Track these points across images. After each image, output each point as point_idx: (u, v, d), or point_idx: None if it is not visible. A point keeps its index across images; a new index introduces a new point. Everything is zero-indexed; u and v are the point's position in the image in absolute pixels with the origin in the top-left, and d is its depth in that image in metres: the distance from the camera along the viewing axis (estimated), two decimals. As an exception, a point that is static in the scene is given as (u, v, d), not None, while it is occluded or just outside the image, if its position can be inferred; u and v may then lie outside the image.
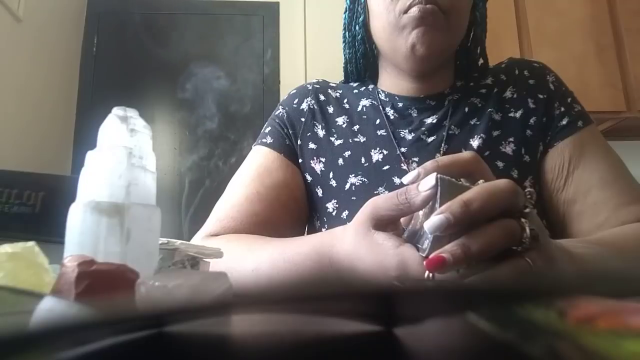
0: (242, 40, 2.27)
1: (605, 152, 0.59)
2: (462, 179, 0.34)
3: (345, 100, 0.68)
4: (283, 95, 0.81)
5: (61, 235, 0.27)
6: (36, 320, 0.17)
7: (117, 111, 0.30)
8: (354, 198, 0.59)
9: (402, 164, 0.59)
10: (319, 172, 0.63)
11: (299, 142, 0.65)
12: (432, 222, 0.31)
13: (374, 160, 0.60)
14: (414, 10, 0.55)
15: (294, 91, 0.71)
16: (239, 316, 0.23)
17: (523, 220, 0.32)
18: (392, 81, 0.66)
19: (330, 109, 0.67)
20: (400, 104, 0.64)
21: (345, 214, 0.59)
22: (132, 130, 0.30)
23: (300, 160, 0.65)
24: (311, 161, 0.64)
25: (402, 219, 0.36)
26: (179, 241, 0.35)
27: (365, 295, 0.17)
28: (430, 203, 0.33)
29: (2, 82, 1.63)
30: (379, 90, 0.67)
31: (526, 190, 0.34)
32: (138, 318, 0.17)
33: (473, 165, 0.36)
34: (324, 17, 2.30)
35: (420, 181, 0.33)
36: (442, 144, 0.59)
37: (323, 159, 0.63)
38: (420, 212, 0.34)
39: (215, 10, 2.32)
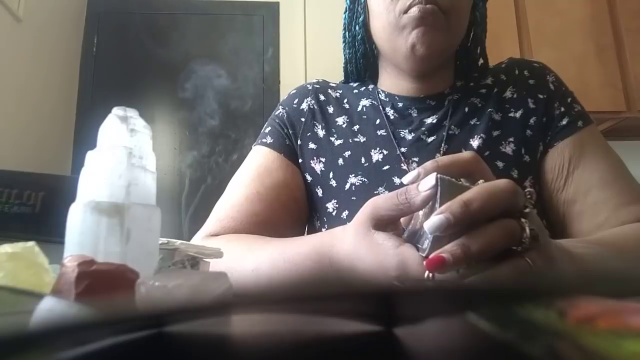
0: (242, 40, 2.27)
1: (605, 152, 0.59)
2: (462, 179, 0.34)
3: (345, 100, 0.68)
4: (283, 96, 0.81)
5: (61, 235, 0.27)
6: (36, 320, 0.17)
7: (117, 111, 0.30)
8: (354, 198, 0.59)
9: (402, 164, 0.59)
10: (319, 172, 0.63)
11: (299, 142, 0.65)
12: (432, 222, 0.31)
13: (374, 160, 0.60)
14: (414, 10, 0.55)
15: (294, 91, 0.71)
16: (239, 316, 0.23)
17: (523, 220, 0.32)
18: (392, 81, 0.66)
19: (330, 109, 0.67)
20: (400, 104, 0.64)
21: (345, 214, 0.59)
22: (132, 130, 0.30)
23: (300, 160, 0.65)
24: (311, 161, 0.64)
25: (402, 219, 0.36)
26: (179, 241, 0.35)
27: (365, 295, 0.17)
28: (430, 203, 0.33)
29: (2, 82, 1.63)
30: (379, 90, 0.67)
31: (526, 190, 0.34)
32: (138, 318, 0.17)
33: (473, 165, 0.36)
34: (324, 17, 2.30)
35: (420, 181, 0.33)
36: (442, 144, 0.59)
37: (323, 159, 0.63)
38: (420, 212, 0.34)
39: (215, 10, 2.32)
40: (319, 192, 0.63)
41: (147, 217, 0.28)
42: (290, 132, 0.66)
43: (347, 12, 0.67)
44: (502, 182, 0.32)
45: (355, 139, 0.63)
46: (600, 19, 2.08)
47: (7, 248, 0.27)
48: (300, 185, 0.64)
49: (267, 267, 0.45)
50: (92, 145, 0.29)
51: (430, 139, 0.60)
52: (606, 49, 2.04)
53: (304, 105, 0.68)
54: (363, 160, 0.61)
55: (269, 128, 0.68)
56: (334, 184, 0.61)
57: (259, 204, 0.60)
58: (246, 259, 0.47)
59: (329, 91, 0.69)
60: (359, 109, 0.66)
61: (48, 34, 1.95)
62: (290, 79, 2.16)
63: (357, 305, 0.20)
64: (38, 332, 0.14)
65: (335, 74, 0.84)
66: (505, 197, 0.31)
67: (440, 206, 0.31)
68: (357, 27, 0.65)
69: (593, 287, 0.18)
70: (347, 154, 0.62)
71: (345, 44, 0.68)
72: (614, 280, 0.17)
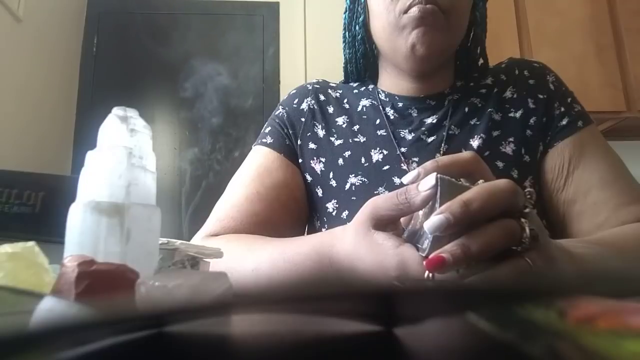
0: (242, 40, 2.27)
1: (605, 152, 0.59)
2: (462, 179, 0.34)
3: (345, 100, 0.68)
4: (283, 96, 0.81)
5: (61, 235, 0.27)
6: (36, 320, 0.17)
7: (117, 111, 0.30)
8: (354, 198, 0.59)
9: (402, 164, 0.59)
10: (319, 172, 0.63)
11: (299, 142, 0.65)
12: (432, 222, 0.31)
13: (374, 160, 0.60)
14: (414, 10, 0.55)
15: (294, 91, 0.71)
16: (239, 316, 0.23)
17: (523, 220, 0.32)
18: (392, 81, 0.66)
19: (330, 109, 0.67)
20: (400, 104, 0.64)
21: (345, 214, 0.59)
22: (132, 130, 0.30)
23: (300, 160, 0.65)
24: (311, 161, 0.64)
25: (402, 219, 0.36)
26: (179, 241, 0.35)
27: (365, 295, 0.17)
28: (430, 203, 0.33)
29: (2, 82, 1.63)
30: (379, 90, 0.67)
31: (526, 190, 0.34)
32: (138, 318, 0.17)
33: (473, 165, 0.36)
34: (324, 17, 2.30)
35: (420, 181, 0.33)
36: (442, 144, 0.59)
37: (323, 159, 0.63)
38: (420, 212, 0.34)
39: (215, 9, 2.32)
40: (319, 192, 0.63)
41: (147, 217, 0.28)
42: (290, 132, 0.66)
43: (347, 12, 0.67)
44: (502, 182, 0.32)
45: (355, 139, 0.63)
46: (600, 19, 2.08)
47: (7, 248, 0.27)
48: (300, 185, 0.64)
49: (267, 267, 0.45)
50: (92, 145, 0.29)
51: (430, 139, 0.60)
52: (606, 49, 2.04)
53: (304, 105, 0.68)
54: (363, 160, 0.61)
55: (269, 128, 0.68)
56: (334, 184, 0.61)
57: (259, 204, 0.60)
58: (246, 259, 0.47)
59: (329, 91, 0.69)
60: (359, 109, 0.66)
61: (48, 34, 1.95)
62: (290, 79, 2.16)
63: (357, 305, 0.20)
64: (38, 332, 0.14)
65: (335, 74, 0.84)
66: (505, 197, 0.31)
67: (440, 206, 0.31)
68: (357, 27, 0.65)
69: (593, 287, 0.18)
70: (347, 154, 0.62)
71: (345, 44, 0.68)
72: (614, 280, 0.17)
